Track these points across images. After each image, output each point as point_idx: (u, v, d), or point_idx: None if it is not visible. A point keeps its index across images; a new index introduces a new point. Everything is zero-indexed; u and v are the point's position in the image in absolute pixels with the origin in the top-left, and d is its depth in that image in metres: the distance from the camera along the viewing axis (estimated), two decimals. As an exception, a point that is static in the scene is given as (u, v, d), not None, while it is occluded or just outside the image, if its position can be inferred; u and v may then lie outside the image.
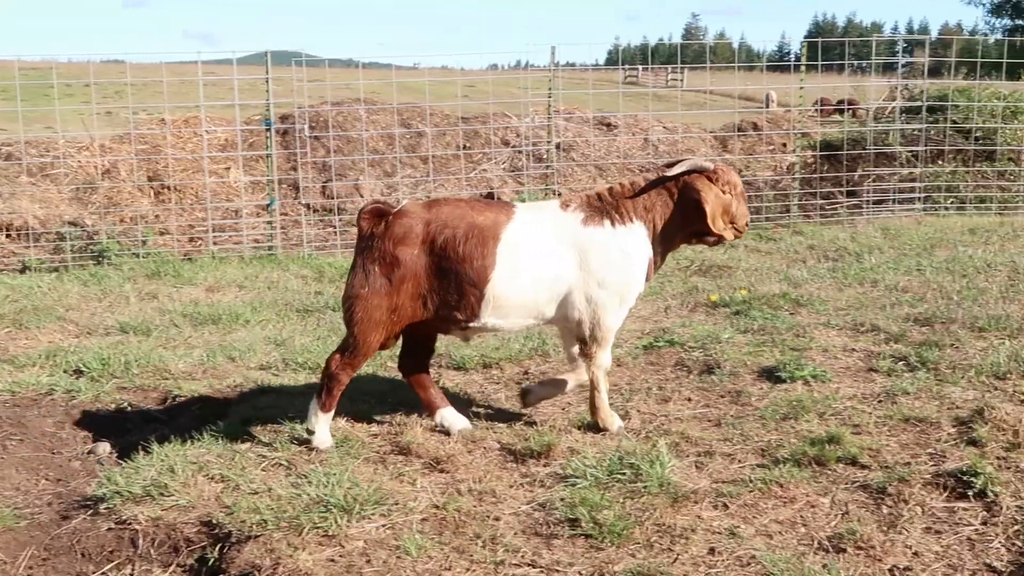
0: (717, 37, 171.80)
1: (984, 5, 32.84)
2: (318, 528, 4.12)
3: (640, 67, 41.18)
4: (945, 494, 4.36)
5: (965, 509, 4.25)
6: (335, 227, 12.59)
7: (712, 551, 3.94)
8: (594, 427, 5.29)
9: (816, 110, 23.20)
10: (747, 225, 5.52)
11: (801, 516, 4.24)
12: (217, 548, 4.15)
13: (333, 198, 13.16)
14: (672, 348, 6.73)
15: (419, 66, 19.77)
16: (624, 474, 4.54)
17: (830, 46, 14.72)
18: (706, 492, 4.42)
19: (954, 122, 14.68)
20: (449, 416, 5.34)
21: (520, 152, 14.41)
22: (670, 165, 5.39)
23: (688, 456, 4.87)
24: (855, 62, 16.58)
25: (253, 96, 13.36)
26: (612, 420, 5.33)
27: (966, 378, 5.78)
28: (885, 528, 4.10)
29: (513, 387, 6.08)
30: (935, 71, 17.96)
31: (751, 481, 4.50)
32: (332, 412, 5.19)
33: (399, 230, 5.02)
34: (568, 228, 5.19)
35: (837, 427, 5.02)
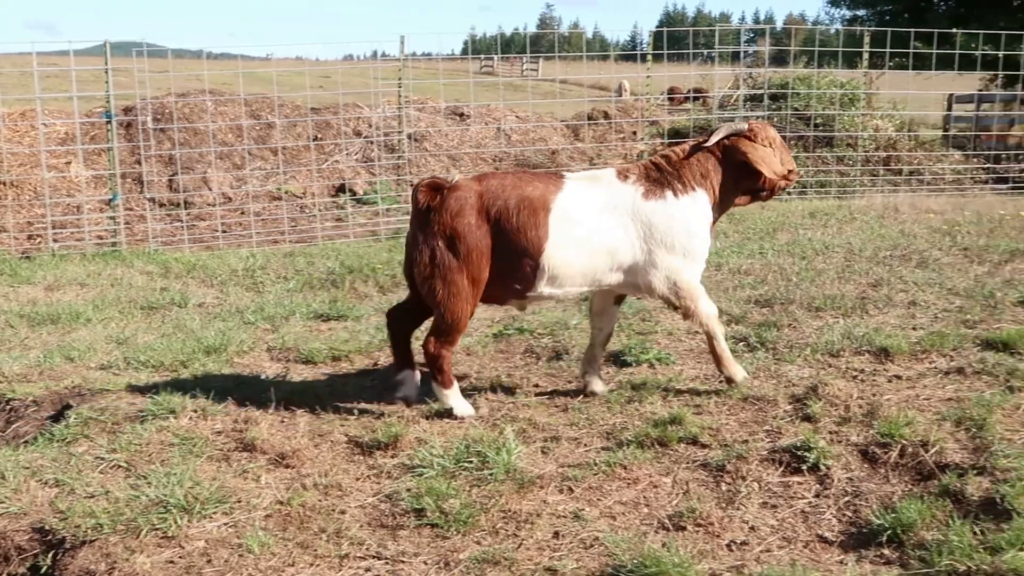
0: (571, 27, 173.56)
1: (825, -6, 33.78)
2: (157, 530, 4.00)
3: (496, 57, 41.20)
4: (781, 469, 4.50)
5: (799, 483, 4.39)
6: (182, 221, 12.28)
7: (557, 535, 3.98)
8: (448, 414, 5.30)
9: (667, 98, 23.69)
10: (795, 172, 5.65)
11: (644, 496, 4.32)
12: (50, 555, 3.99)
13: (180, 191, 12.84)
14: (522, 336, 6.78)
15: (272, 56, 19.41)
16: (471, 462, 4.54)
17: (680, 36, 15.02)
18: (552, 477, 4.46)
19: (795, 109, 15.16)
20: (411, 380, 5.52)
21: (372, 142, 14.29)
22: (707, 135, 5.54)
23: (535, 442, 4.90)
24: (703, 51, 16.94)
25: (97, 88, 12.91)
26: (737, 370, 5.50)
27: (802, 356, 5.99)
28: (724, 505, 4.20)
29: (364, 378, 6.04)
30: (779, 60, 18.52)
31: (596, 464, 4.56)
32: (455, 383, 5.34)
33: (455, 203, 5.10)
34: (629, 200, 5.28)
35: (679, 408, 5.13)
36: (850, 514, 4.11)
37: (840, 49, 15.26)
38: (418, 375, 5.58)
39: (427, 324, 5.48)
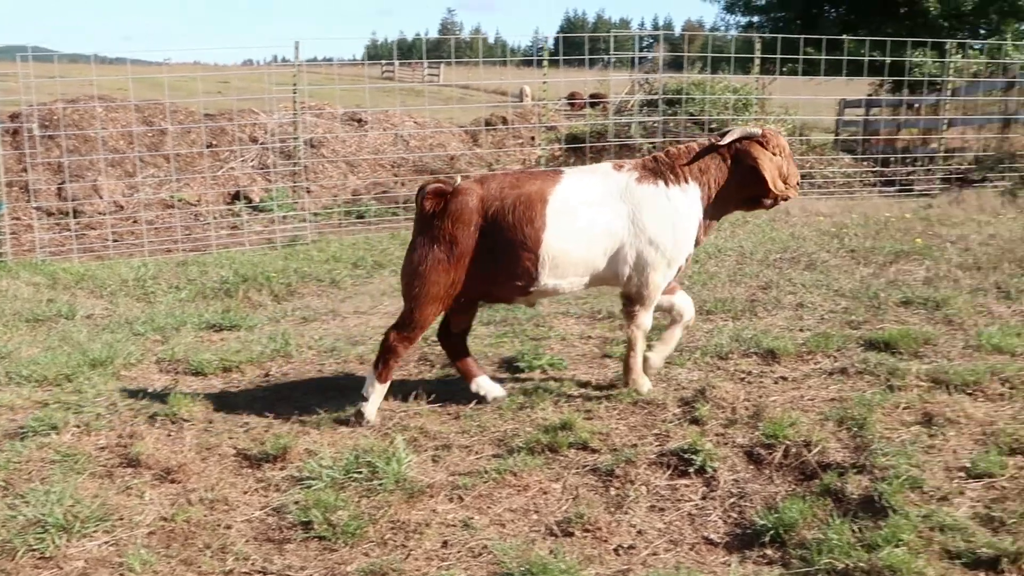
0: (473, 32, 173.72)
1: (719, 2, 34.42)
2: (34, 551, 3.89)
3: (396, 62, 41.08)
4: (668, 472, 4.55)
5: (686, 486, 4.44)
6: (71, 231, 11.96)
7: (446, 544, 3.97)
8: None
9: (569, 104, 23.84)
10: (799, 183, 5.70)
11: (534, 503, 4.33)
12: (-80, 580, 3.86)
13: (69, 200, 12.52)
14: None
15: (170, 61, 19.04)
16: (360, 473, 4.51)
17: (580, 41, 15.12)
18: (442, 485, 4.45)
19: (691, 114, 15.37)
20: (484, 384, 5.57)
21: (268, 149, 14.12)
22: (722, 135, 5.56)
23: (426, 450, 4.89)
24: (604, 57, 17.08)
25: (-19, 94, 12.55)
26: (643, 383, 5.54)
27: (692, 360, 6.07)
28: (612, 509, 4.24)
29: (255, 390, 5.95)
30: (676, 66, 18.76)
31: (486, 472, 4.56)
32: (388, 384, 5.39)
33: (455, 208, 5.20)
34: (620, 184, 5.37)
35: (570, 414, 5.15)
36: (735, 515, 4.17)
37: (733, 55, 15.51)
38: (486, 377, 5.65)
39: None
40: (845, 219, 11.59)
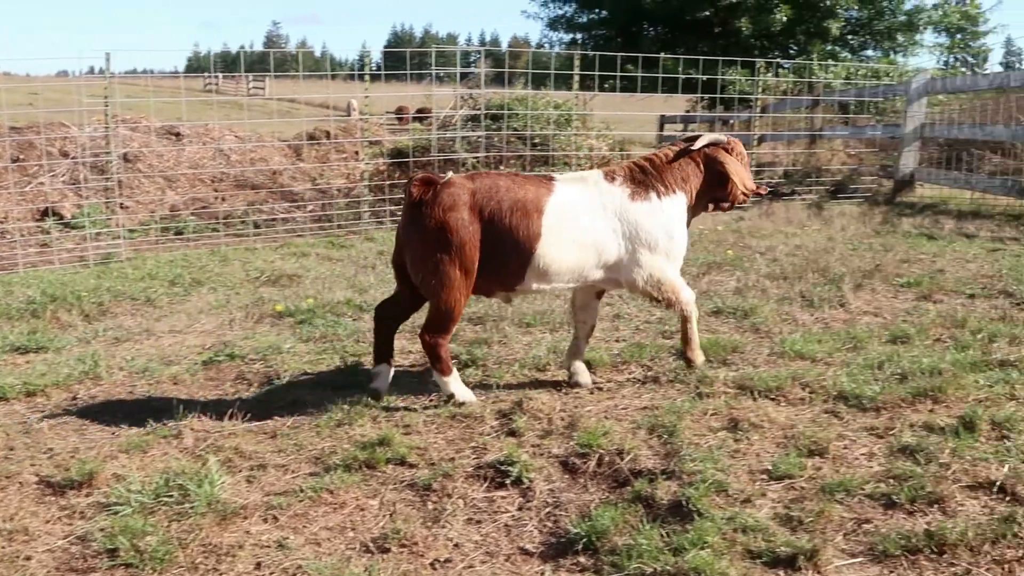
0: (299, 45, 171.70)
1: (542, 20, 35.08)
2: None
3: (219, 75, 40.23)
4: (485, 485, 4.58)
5: (503, 497, 4.48)
6: None
7: (259, 565, 3.89)
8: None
9: (396, 118, 23.79)
10: (753, 189, 6.05)
11: (350, 520, 4.30)
12: None
13: None
14: (233, 362, 6.62)
15: (-30, 71, 18.12)
16: (171, 496, 4.37)
17: (406, 56, 15.10)
18: (256, 506, 4.37)
19: (514, 129, 15.55)
20: (383, 375, 5.76)
21: (80, 163, 13.60)
22: (690, 140, 5.95)
23: (241, 471, 4.78)
24: (429, 72, 17.13)
25: None
26: (699, 355, 5.92)
27: (511, 372, 6.14)
28: (429, 524, 4.24)
29: (61, 414, 5.72)
30: (501, 81, 18.94)
31: (302, 490, 4.49)
32: (455, 370, 5.65)
33: (448, 199, 5.30)
34: (616, 200, 5.60)
35: (389, 429, 5.14)
36: (550, 524, 4.23)
37: (553, 72, 15.76)
38: (392, 372, 5.81)
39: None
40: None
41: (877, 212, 13.75)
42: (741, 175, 5.92)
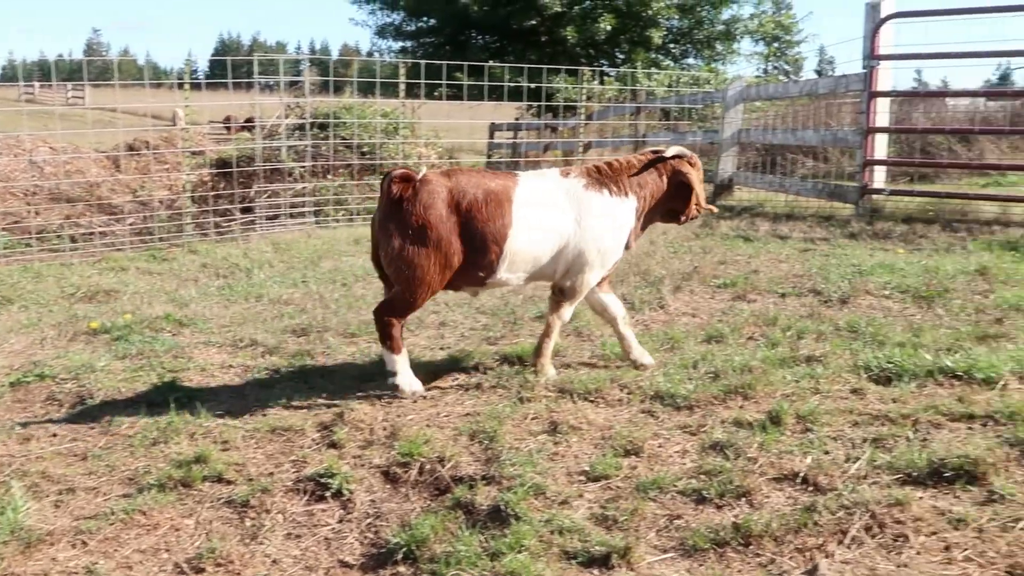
0: (122, 53, 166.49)
1: (370, 27, 34.87)
2: None
3: (36, 84, 38.59)
4: (305, 499, 4.52)
5: (323, 510, 4.44)
6: None
7: (65, 594, 3.76)
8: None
9: (225, 127, 23.30)
10: (708, 206, 6.35)
11: (165, 541, 4.18)
12: None
13: None
14: (43, 382, 6.35)
15: None
16: (-30, 527, 4.18)
17: (236, 64, 14.79)
18: (64, 532, 4.20)
19: (342, 138, 15.43)
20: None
21: None
22: (656, 151, 6.17)
23: (48, 496, 4.59)
24: (254, 80, 16.82)
25: None
26: (548, 369, 6.01)
27: (334, 383, 6.08)
28: (247, 540, 4.16)
29: None
30: (334, 89, 18.77)
31: (114, 513, 4.34)
32: (404, 350, 5.81)
33: (426, 196, 5.50)
34: (570, 190, 5.87)
35: (206, 446, 5.02)
36: (371, 536, 4.21)
37: (378, 80, 15.70)
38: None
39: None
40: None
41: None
42: (699, 190, 6.15)
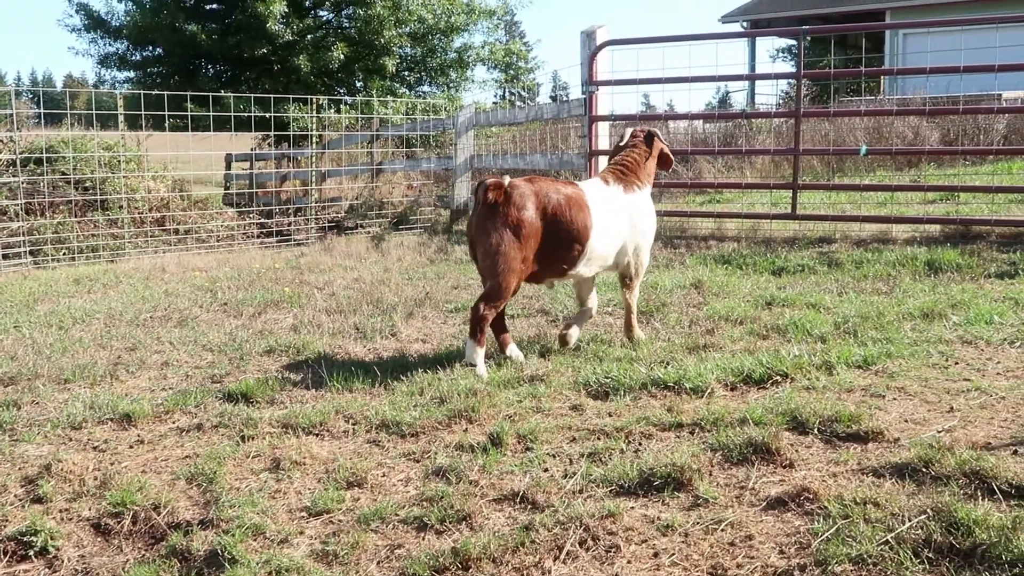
0: None
1: (92, 57, 33.32)
2: None
3: None
4: (6, 560, 4.24)
5: (26, 571, 4.17)
6: None
7: None
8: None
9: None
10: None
11: None
12: None
13: None
14: None
15: None
16: None
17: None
18: None
19: (62, 172, 14.69)
20: (512, 351, 6.91)
21: None
22: (633, 137, 7.49)
23: None
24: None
25: None
26: (641, 335, 7.24)
27: (42, 433, 5.70)
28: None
29: None
30: (52, 121, 17.84)
31: None
32: (485, 345, 6.58)
33: (518, 198, 6.44)
34: (619, 195, 7.05)
35: None
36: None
37: (94, 111, 15.03)
38: (513, 346, 7.00)
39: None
40: (219, 272, 11.70)
41: (434, 242, 14.30)
42: (667, 150, 7.63)
